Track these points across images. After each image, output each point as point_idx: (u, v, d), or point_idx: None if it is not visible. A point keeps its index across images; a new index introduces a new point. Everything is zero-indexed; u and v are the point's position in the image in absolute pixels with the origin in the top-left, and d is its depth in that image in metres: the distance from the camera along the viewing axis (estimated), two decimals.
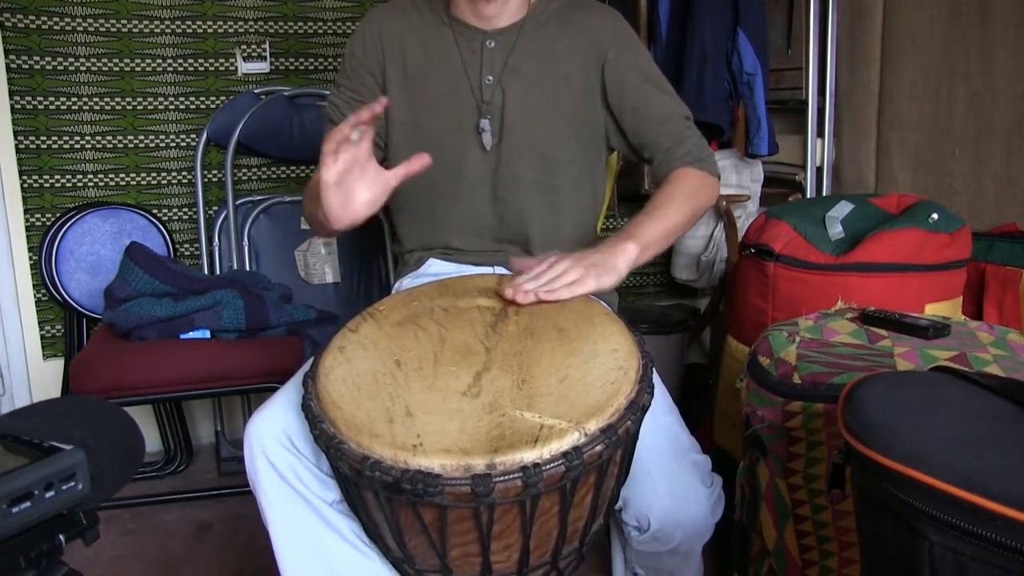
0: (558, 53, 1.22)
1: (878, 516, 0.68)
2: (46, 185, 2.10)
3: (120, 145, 2.14)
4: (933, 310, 1.39)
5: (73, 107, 2.09)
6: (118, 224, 2.12)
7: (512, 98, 1.21)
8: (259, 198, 2.19)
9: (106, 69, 2.09)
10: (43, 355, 2.15)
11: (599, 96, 1.24)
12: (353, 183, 0.94)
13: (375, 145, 1.27)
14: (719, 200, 2.07)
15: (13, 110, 2.03)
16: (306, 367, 0.98)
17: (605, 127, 1.27)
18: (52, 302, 2.12)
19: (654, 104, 1.22)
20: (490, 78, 1.21)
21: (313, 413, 0.87)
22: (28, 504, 0.59)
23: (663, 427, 1.06)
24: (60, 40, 2.05)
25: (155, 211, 2.17)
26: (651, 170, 1.25)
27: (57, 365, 2.14)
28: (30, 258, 2.10)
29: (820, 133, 2.02)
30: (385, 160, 1.31)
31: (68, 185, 2.11)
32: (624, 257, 1.03)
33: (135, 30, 2.10)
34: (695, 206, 1.17)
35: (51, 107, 2.07)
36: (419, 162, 0.97)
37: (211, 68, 2.17)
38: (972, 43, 1.71)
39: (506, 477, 0.75)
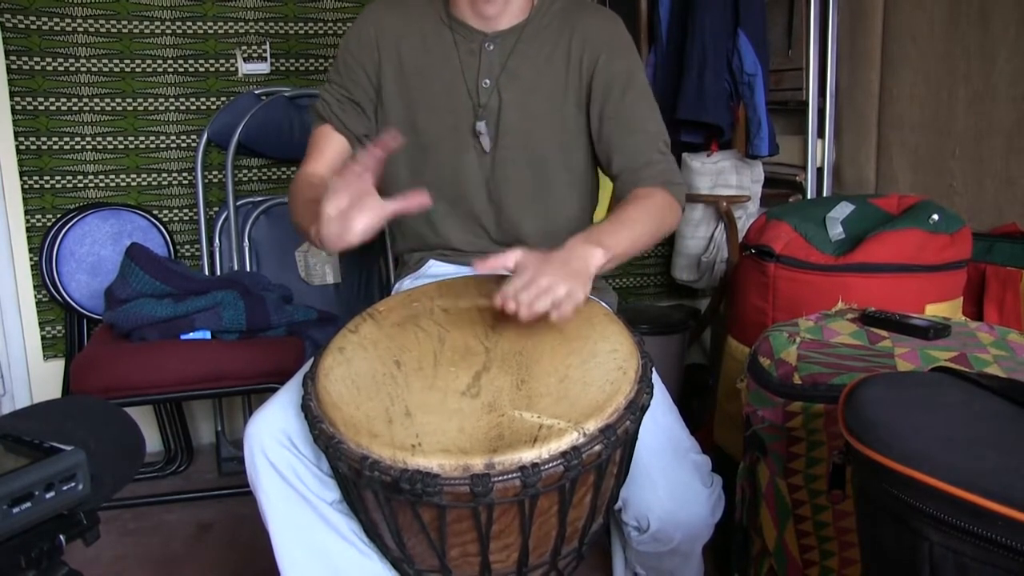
0: (556, 57, 1.21)
1: (878, 516, 0.68)
2: (47, 186, 2.10)
3: (120, 146, 2.14)
4: (933, 311, 1.39)
5: (73, 108, 2.09)
6: (118, 225, 2.12)
7: (509, 102, 1.20)
8: (260, 199, 2.20)
9: (106, 70, 2.10)
10: (44, 355, 2.15)
11: (585, 99, 1.22)
12: (352, 213, 0.91)
13: (360, 144, 1.27)
14: (720, 200, 2.07)
15: (13, 111, 2.04)
16: (306, 367, 0.98)
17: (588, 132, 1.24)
18: (53, 303, 2.12)
19: (635, 115, 1.19)
20: (487, 81, 1.21)
21: (313, 413, 0.87)
22: (29, 504, 0.59)
23: (663, 427, 1.06)
24: (60, 41, 2.05)
25: (155, 212, 2.17)
26: (617, 183, 1.20)
27: (58, 366, 2.14)
28: (31, 259, 2.10)
29: (820, 134, 2.02)
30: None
31: (68, 186, 2.12)
32: (594, 264, 0.95)
33: (135, 31, 2.10)
34: (659, 228, 1.11)
35: (51, 108, 2.07)
36: (418, 200, 0.94)
37: (211, 69, 2.17)
38: (972, 44, 1.71)
39: (505, 477, 0.75)
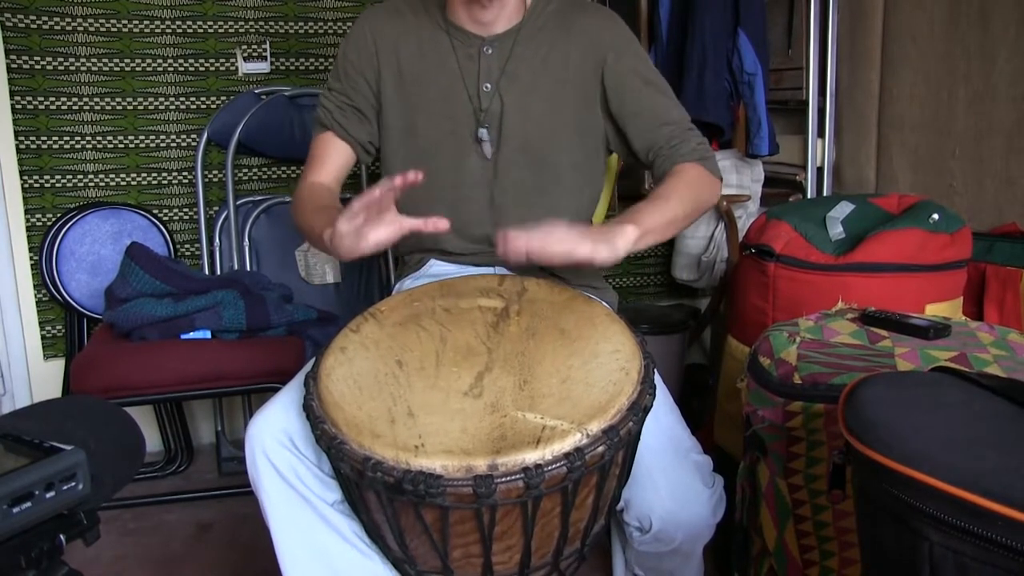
0: (556, 58, 1.21)
1: (878, 516, 0.68)
2: (47, 185, 2.10)
3: (120, 145, 2.14)
4: (933, 310, 1.39)
5: (73, 107, 2.09)
6: (118, 224, 2.12)
7: (511, 106, 1.20)
8: (260, 198, 2.20)
9: (106, 69, 2.10)
10: (44, 355, 2.15)
11: (598, 101, 1.23)
12: (367, 227, 0.92)
13: (364, 151, 1.27)
14: (720, 200, 2.07)
15: (13, 110, 2.04)
16: (307, 367, 0.98)
17: (604, 131, 1.26)
18: (53, 302, 2.12)
19: (656, 107, 1.21)
20: (488, 85, 1.20)
21: (314, 413, 0.87)
22: (29, 504, 0.59)
23: (664, 427, 1.06)
24: (60, 40, 2.05)
25: (155, 211, 2.17)
26: (652, 170, 1.24)
27: (58, 365, 2.14)
28: (31, 258, 2.10)
29: (820, 133, 2.02)
30: (377, 163, 1.31)
31: (69, 185, 2.11)
32: (624, 239, 0.98)
33: (135, 30, 2.10)
34: (697, 201, 1.15)
35: (51, 107, 2.07)
36: (435, 223, 0.95)
37: (211, 68, 2.17)
38: (972, 44, 1.71)
39: (508, 478, 0.75)
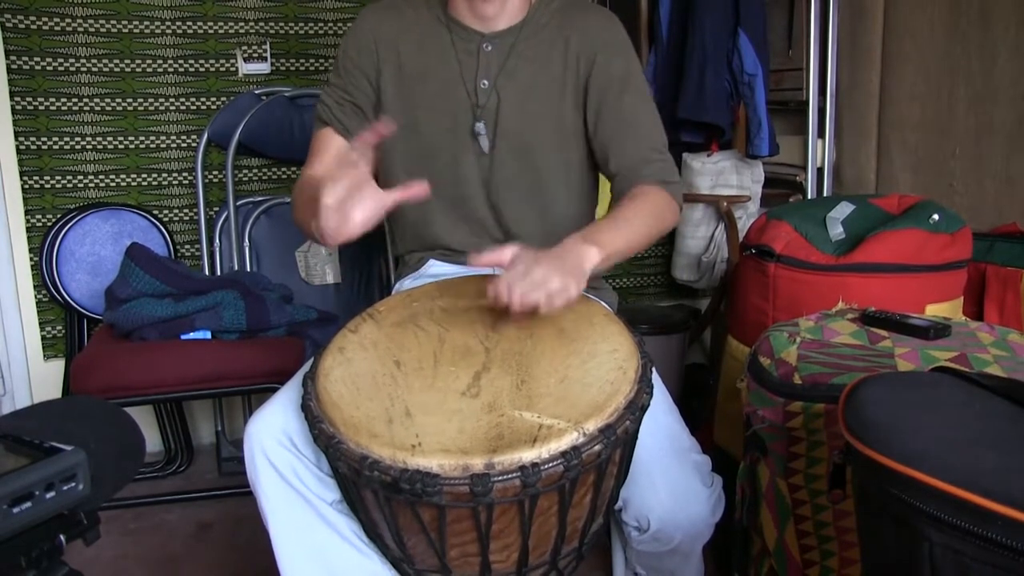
0: (554, 57, 1.21)
1: (879, 516, 0.68)
2: (47, 186, 2.10)
3: (121, 146, 2.14)
4: (934, 311, 1.39)
5: (74, 108, 2.09)
6: (119, 225, 2.12)
7: (507, 103, 1.20)
8: (260, 199, 2.20)
9: (106, 70, 2.10)
10: (44, 355, 2.15)
11: (583, 96, 1.22)
12: (351, 205, 0.90)
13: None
14: (720, 200, 2.07)
15: (13, 111, 2.04)
16: (306, 367, 0.98)
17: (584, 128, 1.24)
18: (53, 303, 2.12)
19: (632, 115, 1.19)
20: (485, 82, 1.20)
21: (313, 413, 0.87)
22: (29, 504, 0.59)
23: (663, 427, 1.06)
24: (60, 41, 2.05)
25: (156, 212, 2.18)
26: (612, 183, 1.20)
27: (58, 366, 2.14)
28: (31, 259, 2.10)
29: (821, 134, 2.02)
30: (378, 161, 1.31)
31: (69, 186, 2.12)
32: (589, 262, 0.96)
33: (135, 30, 2.10)
34: (657, 228, 1.12)
35: (51, 108, 2.07)
36: (417, 189, 0.93)
37: (212, 69, 2.17)
38: (973, 43, 1.71)
39: (504, 477, 0.75)
